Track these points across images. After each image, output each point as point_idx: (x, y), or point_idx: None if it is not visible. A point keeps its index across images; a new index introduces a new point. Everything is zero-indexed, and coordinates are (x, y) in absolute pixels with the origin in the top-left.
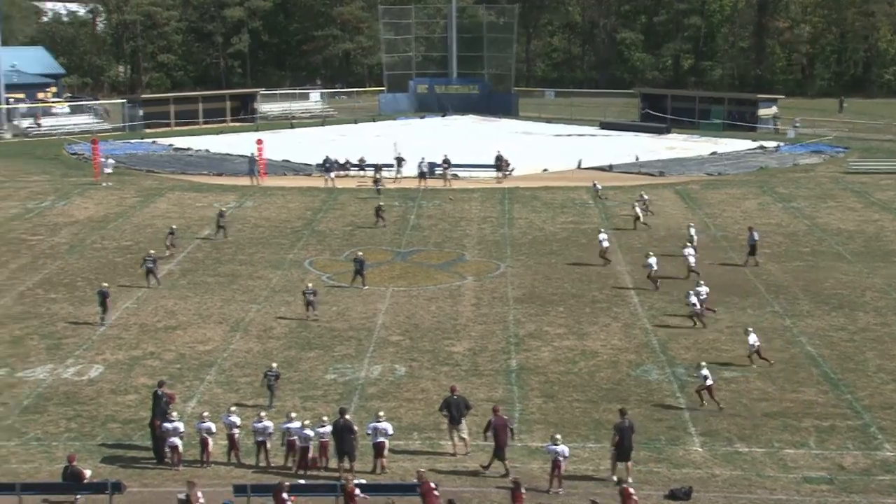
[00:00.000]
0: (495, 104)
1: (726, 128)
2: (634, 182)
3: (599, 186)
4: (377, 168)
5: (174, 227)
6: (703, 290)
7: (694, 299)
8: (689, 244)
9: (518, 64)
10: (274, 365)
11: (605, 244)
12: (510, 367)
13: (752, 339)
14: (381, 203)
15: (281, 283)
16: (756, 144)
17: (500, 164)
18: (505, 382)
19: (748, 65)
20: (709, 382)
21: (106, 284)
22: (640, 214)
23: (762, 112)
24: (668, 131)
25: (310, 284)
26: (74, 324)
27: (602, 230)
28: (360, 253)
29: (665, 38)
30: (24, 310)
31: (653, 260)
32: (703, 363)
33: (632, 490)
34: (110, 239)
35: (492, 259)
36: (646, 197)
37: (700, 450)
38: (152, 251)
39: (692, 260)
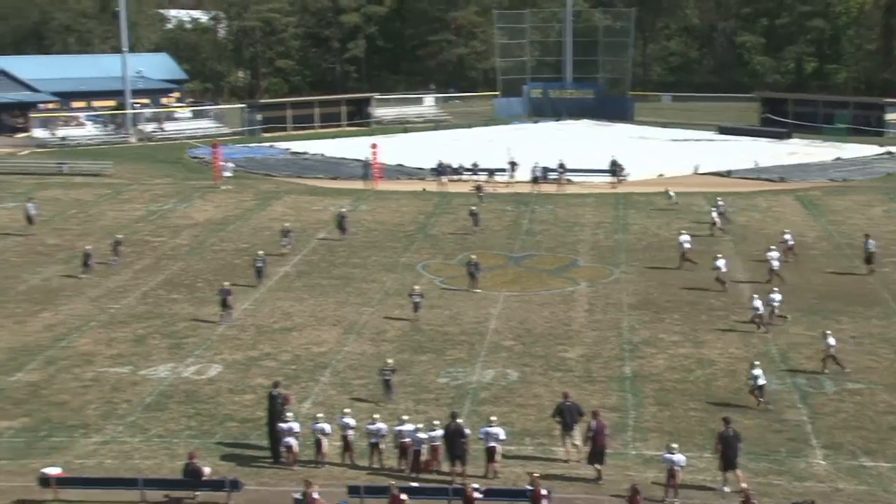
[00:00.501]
0: (610, 109)
1: (851, 133)
2: (753, 188)
3: (672, 193)
4: (490, 172)
5: (287, 225)
6: (777, 297)
7: (758, 303)
8: (772, 248)
9: (634, 68)
10: (390, 361)
11: (686, 245)
12: (624, 375)
13: (832, 341)
14: (475, 207)
15: (394, 287)
16: (883, 150)
17: (615, 168)
18: (618, 389)
19: (875, 68)
20: (760, 382)
21: (227, 283)
22: (717, 221)
23: (889, 116)
24: (789, 136)
25: (416, 287)
26: (195, 322)
27: (683, 232)
28: (474, 256)
29: (787, 41)
30: (146, 310)
31: (721, 262)
32: (757, 362)
33: (754, 501)
34: (229, 241)
35: (605, 264)
36: (721, 202)
37: (823, 463)
38: (261, 252)
39: (776, 264)
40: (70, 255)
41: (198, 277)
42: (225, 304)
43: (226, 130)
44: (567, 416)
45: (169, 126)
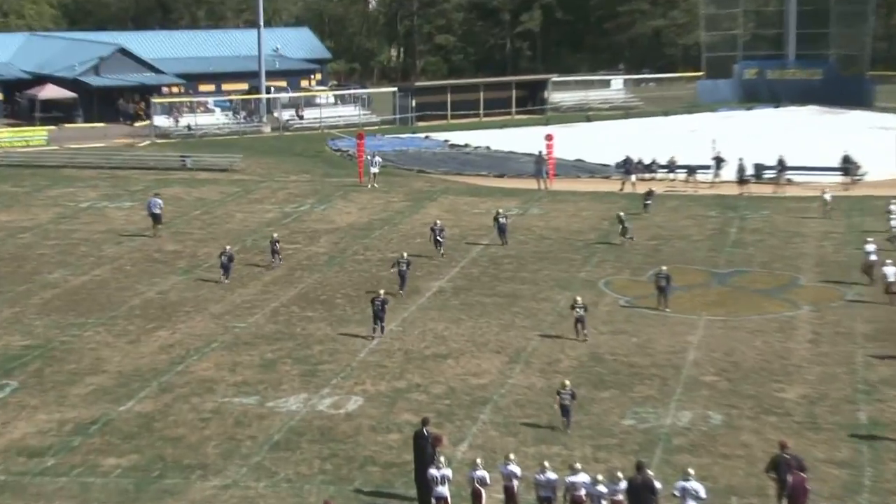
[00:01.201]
0: (844, 92)
1: None
2: None
3: (829, 197)
4: (690, 170)
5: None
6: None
7: (871, 247)
8: (870, 240)
9: (875, 42)
10: (567, 383)
11: (873, 257)
12: (858, 422)
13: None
14: (622, 213)
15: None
16: None
17: (849, 166)
18: (851, 440)
19: None
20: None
21: (383, 292)
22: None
23: None
24: None
25: (579, 299)
26: (333, 344)
27: (869, 239)
28: (665, 268)
29: None
30: (276, 329)
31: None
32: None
33: None
34: (374, 249)
35: (835, 285)
36: (893, 208)
37: None
38: (405, 253)
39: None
40: (192, 262)
41: (337, 292)
42: (379, 317)
43: (374, 119)
44: (784, 471)
45: (308, 113)
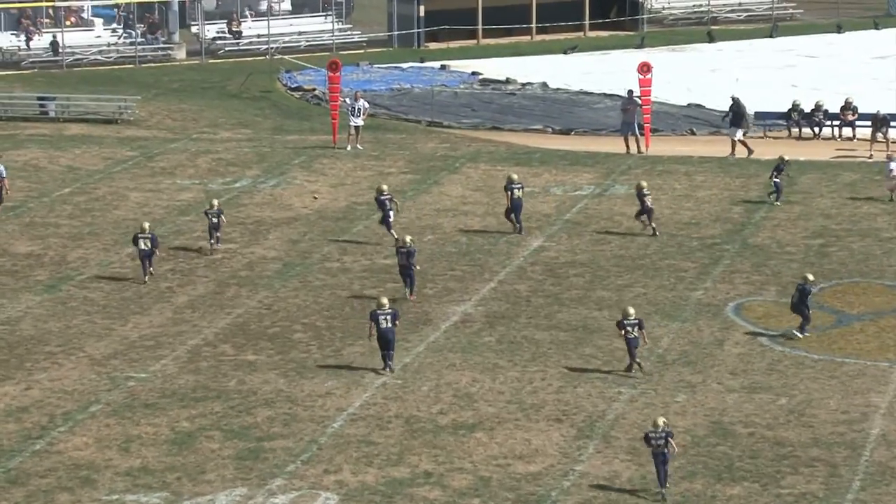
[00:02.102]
0: None
1: None
2: None
3: None
4: (878, 123)
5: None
6: None
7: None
8: None
9: None
10: (408, 239)
11: None
12: None
13: None
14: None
15: (678, 344)
16: None
17: None
18: None
19: None
20: None
21: (387, 303)
22: None
23: None
24: None
25: (631, 310)
26: (288, 407)
27: None
28: (811, 276)
29: None
30: (197, 382)
31: None
32: None
33: None
34: (357, 252)
35: None
36: None
37: None
38: (408, 238)
39: None
40: (57, 272)
41: (296, 321)
42: (386, 345)
43: (356, 37)
44: None
45: (249, 27)
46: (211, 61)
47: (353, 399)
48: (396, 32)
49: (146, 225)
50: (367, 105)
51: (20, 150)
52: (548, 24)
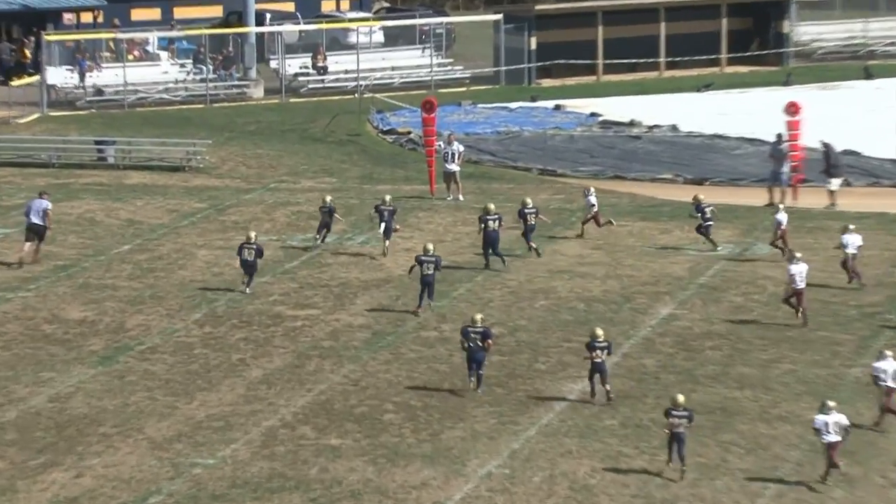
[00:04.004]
0: None
1: None
2: None
3: None
4: None
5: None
6: None
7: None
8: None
9: None
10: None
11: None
12: None
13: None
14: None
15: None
16: None
17: None
18: None
19: None
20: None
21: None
22: None
23: None
24: None
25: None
26: (377, 500)
27: None
28: None
29: None
30: (272, 470)
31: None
32: None
33: None
34: (457, 318)
35: None
36: None
37: None
38: (431, 246)
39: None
40: (113, 341)
41: (386, 399)
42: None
43: (458, 73)
44: None
45: (335, 62)
46: (292, 100)
47: (453, 491)
48: (504, 68)
49: (252, 234)
50: (462, 149)
51: (74, 200)
52: (679, 59)
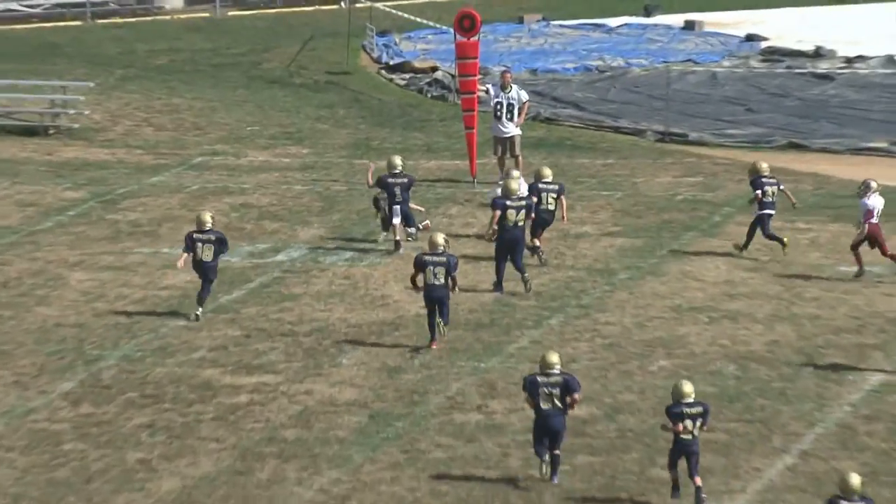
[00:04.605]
0: None
1: None
2: None
3: None
4: None
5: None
6: None
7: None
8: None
9: None
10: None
11: None
12: None
13: None
14: None
15: None
16: None
17: None
18: None
19: None
20: None
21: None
22: None
23: None
24: None
25: None
26: None
27: None
28: None
29: None
30: None
31: None
32: None
33: None
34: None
35: None
36: None
37: None
38: (442, 239)
39: None
40: None
41: None
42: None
43: None
44: None
45: None
46: (232, 13)
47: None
48: None
49: (207, 217)
50: (525, 97)
51: None
52: None
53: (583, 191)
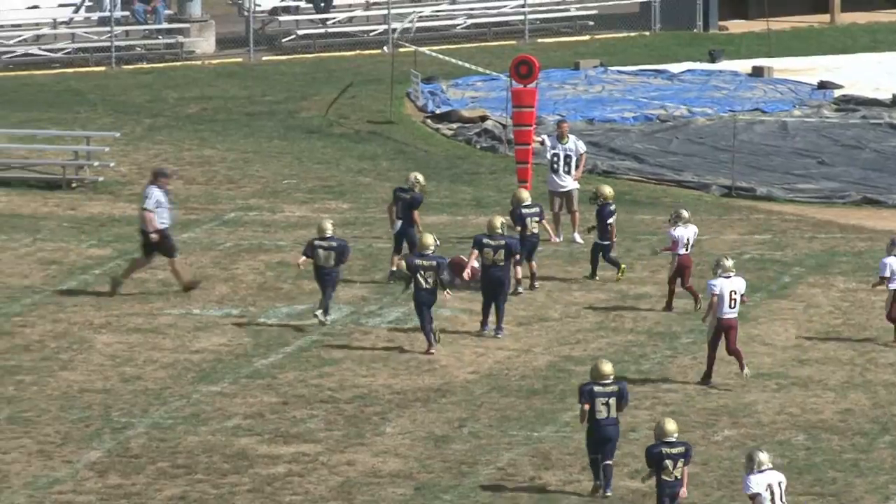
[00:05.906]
0: None
1: None
2: None
3: None
4: None
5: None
6: None
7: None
8: None
9: None
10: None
11: None
12: None
13: None
14: None
15: None
16: None
17: None
18: None
19: None
20: None
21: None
22: None
23: None
24: None
25: None
26: None
27: None
28: None
29: None
30: None
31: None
32: None
33: None
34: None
35: None
36: None
37: None
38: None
39: None
40: None
41: None
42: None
43: (572, 10)
44: None
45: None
46: (267, 58)
47: None
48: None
49: (328, 225)
50: (583, 149)
51: None
52: None
53: (643, 249)
